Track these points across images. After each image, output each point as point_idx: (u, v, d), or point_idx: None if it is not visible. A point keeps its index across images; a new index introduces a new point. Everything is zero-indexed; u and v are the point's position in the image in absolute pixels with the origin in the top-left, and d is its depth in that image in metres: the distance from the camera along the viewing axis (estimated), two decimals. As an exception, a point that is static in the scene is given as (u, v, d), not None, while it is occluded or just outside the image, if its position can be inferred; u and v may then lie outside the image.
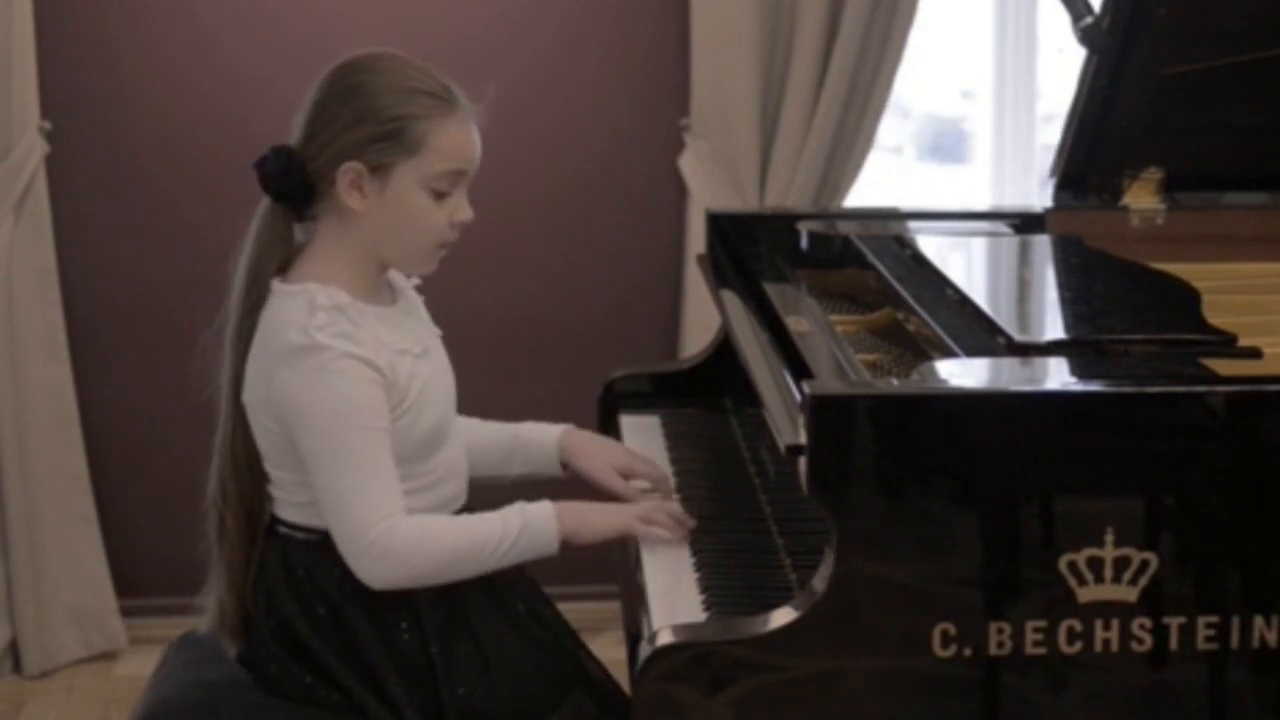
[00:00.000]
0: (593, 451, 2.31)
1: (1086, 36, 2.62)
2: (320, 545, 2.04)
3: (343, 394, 1.96)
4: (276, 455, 2.06)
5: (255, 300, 2.04)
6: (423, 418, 2.05)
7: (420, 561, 1.98)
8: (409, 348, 2.06)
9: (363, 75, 2.04)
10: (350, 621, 2.04)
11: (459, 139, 2.04)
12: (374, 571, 1.98)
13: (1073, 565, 1.74)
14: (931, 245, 2.56)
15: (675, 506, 2.21)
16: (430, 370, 2.09)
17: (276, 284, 2.04)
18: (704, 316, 3.54)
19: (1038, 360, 1.90)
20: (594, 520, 2.10)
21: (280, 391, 1.99)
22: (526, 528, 2.03)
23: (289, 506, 2.08)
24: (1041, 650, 1.75)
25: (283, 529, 2.09)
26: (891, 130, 4.20)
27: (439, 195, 2.04)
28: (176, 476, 3.68)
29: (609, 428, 2.74)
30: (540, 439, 2.32)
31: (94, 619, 3.76)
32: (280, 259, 2.06)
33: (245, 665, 2.12)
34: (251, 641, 2.10)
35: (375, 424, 1.98)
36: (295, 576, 2.06)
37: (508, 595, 2.12)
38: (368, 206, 2.03)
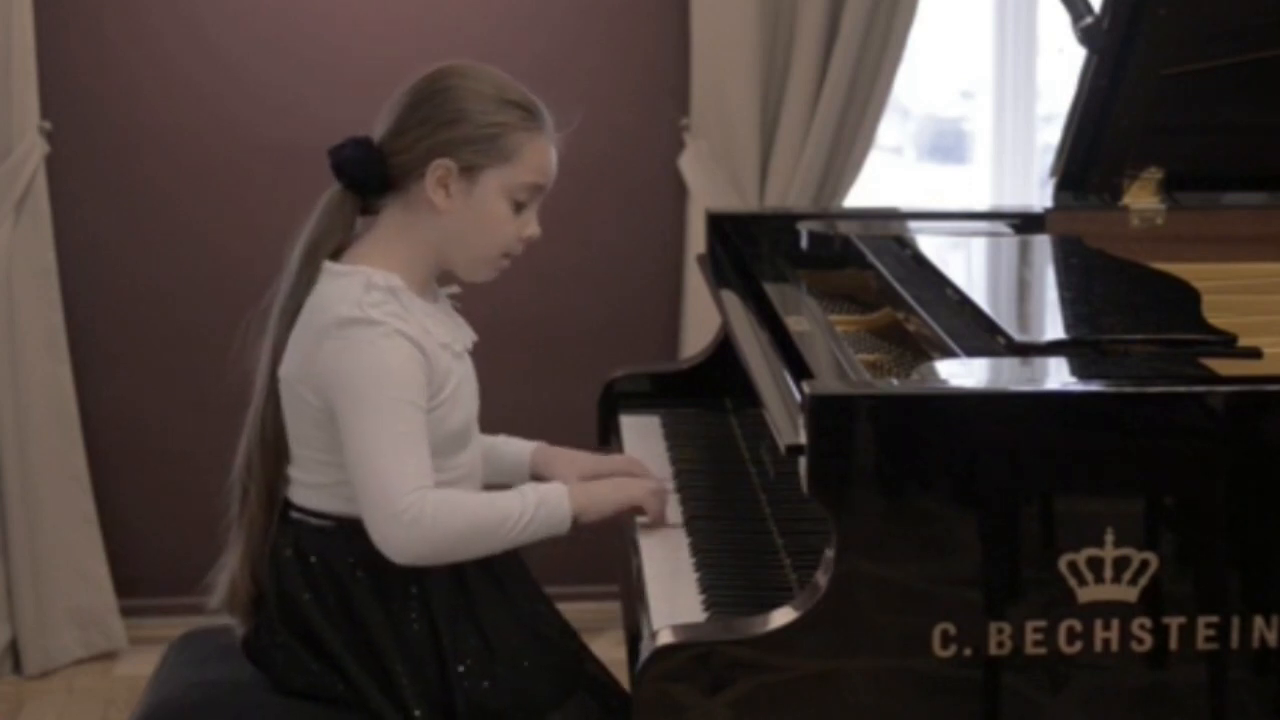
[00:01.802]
0: (562, 463, 2.32)
1: (1086, 36, 2.62)
2: (334, 532, 2.06)
3: (389, 366, 1.99)
4: (305, 432, 2.07)
5: (307, 279, 2.08)
6: (454, 414, 2.08)
7: (445, 533, 1.99)
8: (450, 344, 2.10)
9: (462, 80, 2.09)
10: (361, 609, 2.05)
11: (545, 155, 2.12)
12: (401, 541, 1.99)
13: (1073, 565, 1.74)
14: (931, 245, 2.56)
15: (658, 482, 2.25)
16: (464, 371, 2.13)
17: (329, 265, 2.08)
18: (704, 316, 3.54)
19: (1038, 360, 1.90)
20: (601, 495, 2.14)
21: (326, 361, 2.01)
22: (542, 504, 2.05)
23: (306, 490, 2.10)
24: (1041, 650, 1.75)
25: (296, 514, 2.11)
26: (891, 130, 4.20)
27: (517, 206, 2.11)
28: (176, 476, 3.72)
29: (609, 428, 2.74)
30: (515, 453, 2.34)
31: (94, 619, 3.76)
32: (337, 244, 2.10)
33: (251, 652, 2.13)
34: (260, 626, 2.11)
35: (415, 399, 2.01)
36: (307, 563, 2.07)
37: (513, 591, 2.13)
38: (451, 205, 2.07)
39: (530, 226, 2.14)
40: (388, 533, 1.99)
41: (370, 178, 2.09)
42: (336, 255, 2.10)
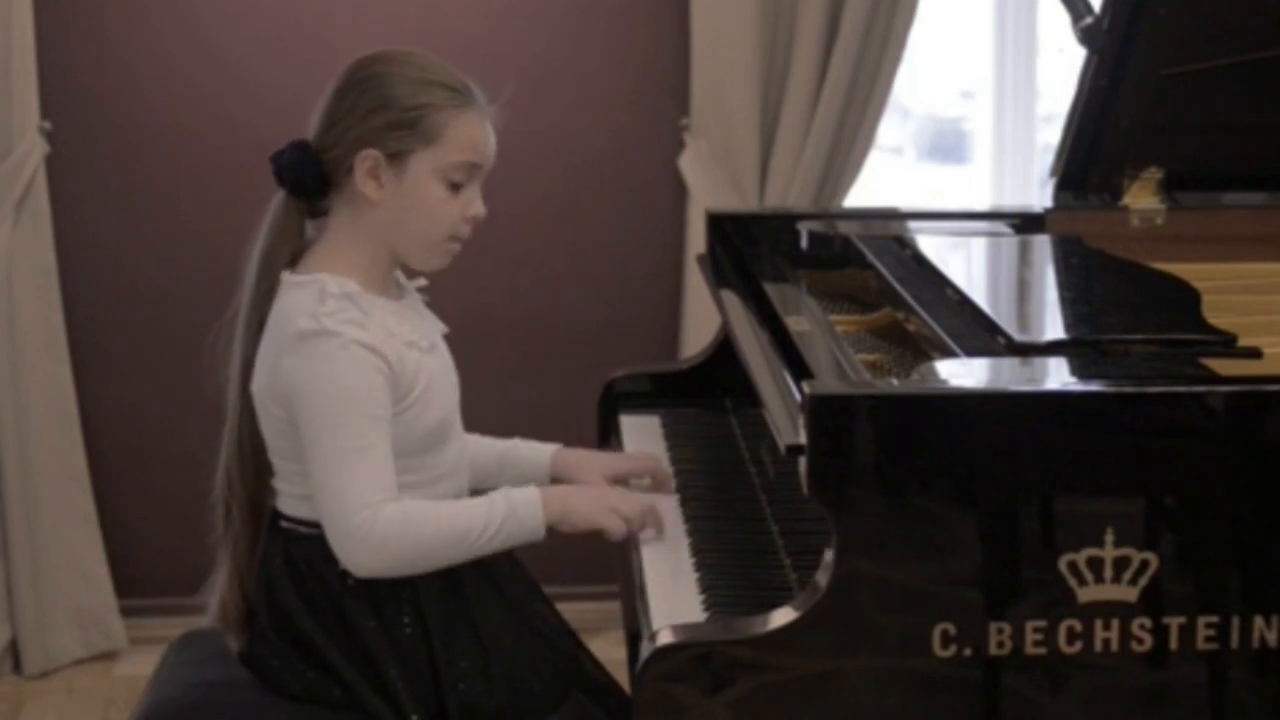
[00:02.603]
0: (584, 467, 2.31)
1: (1086, 36, 2.62)
2: (321, 540, 2.05)
3: (346, 379, 1.98)
4: (281, 445, 2.07)
5: (265, 291, 2.07)
6: (428, 412, 2.07)
7: (401, 549, 1.99)
8: (417, 340, 2.08)
9: (382, 66, 2.07)
10: (353, 616, 2.04)
11: (475, 132, 2.08)
12: (355, 556, 1.99)
13: (1073, 565, 1.74)
14: (931, 245, 2.56)
15: (653, 500, 2.21)
16: (436, 366, 2.11)
17: (286, 275, 2.06)
18: (704, 316, 3.54)
19: (1038, 360, 1.90)
20: (577, 509, 2.11)
21: (286, 375, 2.00)
22: (512, 515, 2.04)
23: (292, 500, 2.09)
24: (1041, 650, 1.75)
25: (285, 524, 2.10)
26: (891, 130, 4.20)
27: (454, 187, 2.07)
28: (176, 476, 3.71)
29: (609, 428, 2.74)
30: (533, 456, 2.33)
31: (94, 619, 3.76)
32: (291, 251, 2.09)
33: (248, 661, 2.12)
34: (255, 637, 2.11)
35: (375, 412, 1.99)
36: (298, 571, 2.07)
37: (509, 592, 2.13)
38: (384, 195, 2.05)
39: (474, 206, 2.10)
40: (343, 548, 1.99)
41: (308, 179, 2.07)
42: (294, 262, 2.08)
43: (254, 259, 2.09)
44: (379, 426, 2.00)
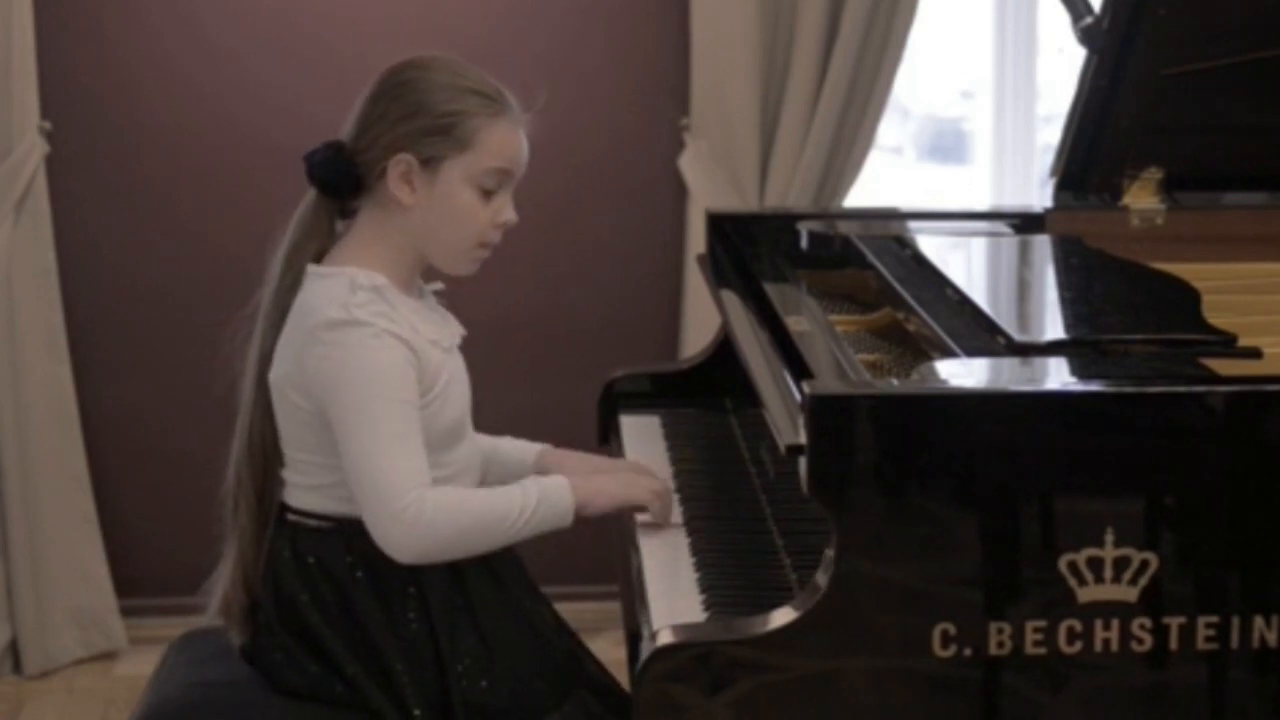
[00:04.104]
0: (570, 467, 2.31)
1: (1086, 36, 2.62)
2: (330, 533, 2.06)
3: (380, 366, 1.99)
4: (298, 435, 2.07)
5: (290, 284, 2.08)
6: (446, 410, 2.08)
7: (448, 531, 1.99)
8: (439, 340, 2.10)
9: (418, 72, 2.09)
10: (359, 609, 2.05)
11: (508, 139, 2.09)
12: (403, 540, 1.99)
13: (1073, 565, 1.74)
14: (931, 245, 2.56)
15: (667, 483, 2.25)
16: (455, 366, 2.13)
17: (312, 267, 2.08)
18: (704, 316, 3.54)
19: (1038, 360, 1.90)
20: (603, 490, 2.14)
21: (315, 365, 2.01)
22: (544, 499, 2.05)
23: (302, 491, 2.09)
24: (1041, 650, 1.75)
25: (293, 516, 2.10)
26: (891, 130, 4.20)
27: (485, 194, 2.09)
28: (176, 476, 3.72)
29: (609, 428, 2.74)
30: (519, 456, 2.33)
31: (94, 619, 3.76)
32: (317, 249, 2.10)
33: (249, 657, 2.13)
34: (259, 630, 2.11)
35: (408, 398, 2.01)
36: (305, 564, 2.07)
37: (511, 590, 2.13)
38: (416, 200, 2.07)
39: (505, 213, 2.12)
40: (389, 533, 1.99)
41: (340, 180, 2.09)
42: (319, 258, 2.09)
43: (280, 254, 2.11)
44: (413, 414, 2.01)
